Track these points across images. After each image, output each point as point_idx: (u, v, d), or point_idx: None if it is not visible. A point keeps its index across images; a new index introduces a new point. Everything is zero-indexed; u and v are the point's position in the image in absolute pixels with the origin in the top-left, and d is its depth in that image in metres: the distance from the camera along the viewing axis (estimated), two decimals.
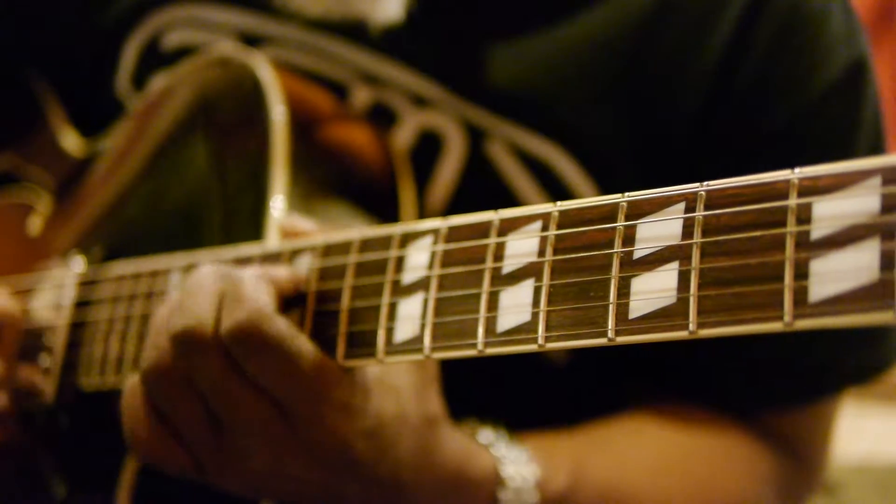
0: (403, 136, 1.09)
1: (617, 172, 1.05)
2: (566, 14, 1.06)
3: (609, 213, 0.67)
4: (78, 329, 1.05)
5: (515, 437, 0.95)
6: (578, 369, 1.10)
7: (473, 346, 0.72)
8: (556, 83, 1.06)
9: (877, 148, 1.08)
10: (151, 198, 1.11)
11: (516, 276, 0.71)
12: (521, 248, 0.71)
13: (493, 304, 0.71)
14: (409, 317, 0.76)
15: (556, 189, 1.05)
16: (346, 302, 0.80)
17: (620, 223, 0.67)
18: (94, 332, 1.02)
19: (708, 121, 1.04)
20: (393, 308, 0.77)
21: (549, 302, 0.68)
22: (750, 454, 1.08)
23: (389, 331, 0.77)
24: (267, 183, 0.97)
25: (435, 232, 0.77)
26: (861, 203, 0.57)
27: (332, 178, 1.04)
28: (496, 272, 0.72)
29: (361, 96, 1.10)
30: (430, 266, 0.76)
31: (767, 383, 1.09)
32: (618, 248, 0.66)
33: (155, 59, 1.18)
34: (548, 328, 0.68)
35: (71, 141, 1.26)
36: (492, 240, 0.73)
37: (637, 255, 0.65)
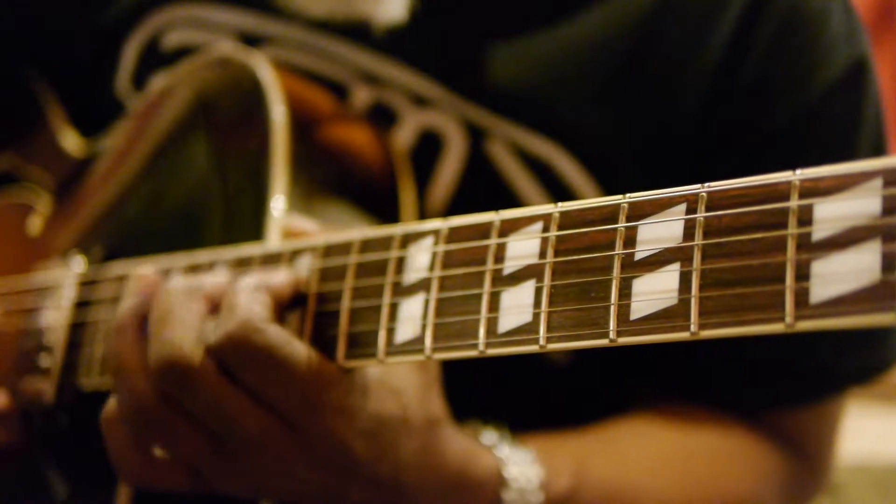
0: (404, 135, 1.09)
1: (617, 172, 1.05)
2: (566, 14, 1.06)
3: (610, 214, 0.67)
4: (78, 329, 1.05)
5: (519, 439, 0.95)
6: (580, 370, 1.10)
7: (475, 346, 0.72)
8: (556, 83, 1.06)
9: (878, 147, 1.08)
10: (151, 198, 1.10)
11: (517, 277, 0.71)
12: (523, 248, 0.71)
13: (494, 304, 0.71)
14: (411, 317, 0.76)
15: (556, 189, 1.05)
16: (346, 303, 0.80)
17: (622, 224, 0.67)
18: (95, 333, 1.02)
19: (708, 121, 1.04)
20: (394, 309, 0.77)
21: (551, 303, 0.68)
22: (753, 453, 1.08)
23: (390, 331, 0.77)
24: (267, 183, 0.97)
25: (436, 233, 0.77)
26: (862, 205, 0.57)
27: (332, 178, 1.03)
28: (497, 273, 0.72)
29: (361, 96, 1.10)
30: (431, 267, 0.76)
31: (770, 384, 1.09)
32: (619, 249, 0.66)
33: (155, 59, 1.18)
34: (549, 329, 0.68)
35: (71, 141, 1.25)
36: (493, 240, 0.73)
37: (638, 255, 0.65)
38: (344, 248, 0.82)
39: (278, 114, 0.99)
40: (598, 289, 0.66)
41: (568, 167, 1.05)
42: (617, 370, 1.11)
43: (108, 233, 1.12)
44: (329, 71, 1.10)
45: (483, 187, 1.07)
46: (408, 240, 0.78)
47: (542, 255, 0.70)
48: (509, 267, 0.71)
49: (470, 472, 0.89)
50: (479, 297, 0.72)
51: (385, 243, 0.79)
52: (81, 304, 1.06)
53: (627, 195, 0.67)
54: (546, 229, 0.70)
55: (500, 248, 0.72)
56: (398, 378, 0.84)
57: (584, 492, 0.97)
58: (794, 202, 0.60)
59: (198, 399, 0.80)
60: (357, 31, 1.08)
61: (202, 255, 0.93)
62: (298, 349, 0.79)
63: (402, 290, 0.77)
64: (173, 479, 0.86)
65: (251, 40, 1.13)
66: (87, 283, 1.07)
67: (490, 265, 0.72)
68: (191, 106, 1.10)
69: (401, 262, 0.78)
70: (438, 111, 1.07)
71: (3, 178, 1.30)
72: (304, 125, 1.01)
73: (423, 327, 0.75)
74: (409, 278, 0.77)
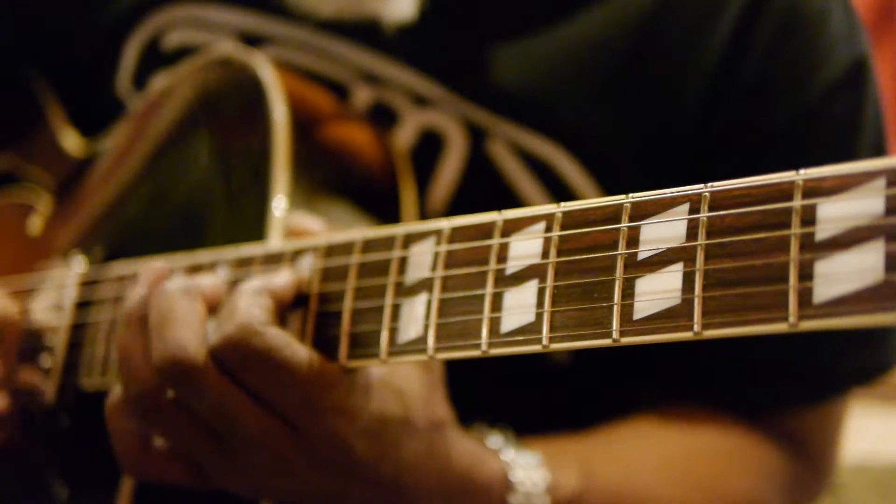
0: (404, 135, 1.09)
1: (618, 172, 1.05)
2: (567, 14, 1.06)
3: (613, 214, 0.67)
4: (79, 329, 1.05)
5: (524, 442, 0.95)
6: (582, 369, 1.10)
7: (477, 346, 0.72)
8: (556, 83, 1.06)
9: (878, 147, 1.09)
10: (152, 198, 1.10)
11: (520, 277, 0.71)
12: (525, 248, 0.71)
13: (496, 304, 0.71)
14: (413, 317, 0.76)
15: (557, 189, 1.05)
16: (348, 303, 0.80)
17: (624, 224, 0.67)
18: (96, 333, 1.02)
19: (708, 121, 1.04)
20: (396, 309, 0.77)
21: (553, 303, 0.68)
22: (755, 454, 1.08)
23: (393, 331, 0.77)
24: (268, 183, 0.97)
25: (438, 233, 0.76)
26: (865, 204, 0.57)
27: (333, 178, 1.03)
28: (500, 273, 0.72)
29: (362, 96, 1.10)
30: (434, 267, 0.76)
31: (772, 384, 1.09)
32: (622, 249, 0.66)
33: (155, 58, 1.18)
34: (552, 329, 0.68)
35: (71, 141, 1.25)
36: (495, 240, 0.73)
37: (641, 255, 0.65)
38: (346, 249, 0.82)
39: (279, 114, 0.99)
40: (600, 289, 0.66)
41: (568, 167, 1.05)
42: (619, 370, 1.11)
43: (109, 233, 1.12)
44: (330, 71, 1.10)
45: (484, 187, 1.07)
46: (410, 240, 0.78)
47: (545, 254, 0.70)
48: (512, 267, 0.71)
49: (475, 475, 0.89)
50: (481, 297, 0.72)
51: (387, 243, 0.79)
52: (82, 305, 1.06)
53: (630, 195, 0.67)
54: (549, 229, 0.70)
55: (503, 248, 0.72)
56: (401, 378, 0.84)
57: (590, 495, 0.96)
58: (797, 202, 0.60)
59: (200, 398, 0.80)
60: (366, 31, 1.07)
61: (203, 255, 0.93)
62: (298, 351, 0.79)
63: (404, 291, 0.77)
64: (173, 471, 0.86)
65: (252, 40, 1.13)
66: (87, 284, 1.06)
67: (493, 265, 0.72)
68: (191, 106, 1.10)
69: (403, 263, 0.78)
70: (439, 111, 1.07)
71: (4, 178, 1.30)
72: (304, 125, 1.01)
73: (426, 327, 0.75)
74: (411, 278, 0.77)
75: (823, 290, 0.58)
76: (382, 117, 1.09)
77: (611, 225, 0.67)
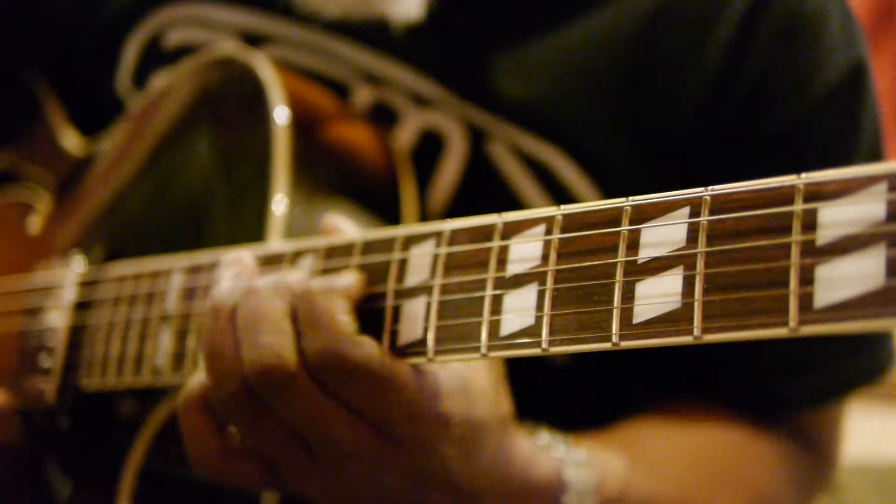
0: (405, 135, 1.08)
1: (617, 175, 1.05)
2: (568, 19, 1.06)
3: (613, 217, 0.67)
4: (79, 330, 1.05)
5: (572, 440, 0.93)
6: (581, 370, 1.10)
7: (477, 349, 0.72)
8: (557, 87, 1.06)
9: (875, 150, 1.09)
10: (152, 198, 1.10)
11: (520, 280, 0.71)
12: (525, 251, 0.71)
13: (496, 307, 0.71)
14: (413, 320, 0.76)
15: (557, 191, 1.05)
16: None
17: (625, 227, 0.66)
18: (96, 333, 1.02)
19: (707, 125, 1.04)
20: (396, 311, 0.77)
21: (553, 306, 0.68)
22: (767, 447, 1.08)
23: (393, 333, 0.77)
24: (268, 183, 0.97)
25: (438, 235, 0.76)
26: (867, 209, 0.57)
27: (333, 177, 1.03)
28: (500, 276, 0.72)
29: (363, 96, 1.10)
30: (434, 269, 0.75)
31: (773, 385, 1.09)
32: (622, 252, 0.66)
33: (156, 57, 1.18)
34: (552, 332, 0.68)
35: (71, 140, 1.25)
36: (495, 243, 0.73)
37: (642, 259, 0.65)
38: (346, 250, 0.82)
39: (279, 114, 0.99)
40: (600, 292, 0.66)
41: (568, 170, 1.05)
42: (618, 371, 1.11)
43: (109, 232, 1.12)
44: (330, 70, 1.10)
45: (484, 188, 1.06)
46: (410, 242, 0.78)
47: (545, 257, 0.70)
48: (512, 269, 0.71)
49: (533, 475, 0.87)
50: (481, 299, 0.72)
51: (387, 245, 0.79)
52: (82, 305, 1.06)
53: (630, 198, 0.67)
54: (549, 232, 0.70)
55: (503, 251, 0.72)
56: (478, 378, 0.81)
57: (632, 492, 0.95)
58: (798, 206, 0.59)
59: (292, 407, 0.77)
60: (372, 31, 1.07)
61: (203, 256, 0.93)
62: (398, 364, 0.76)
63: (403, 293, 0.77)
64: (246, 474, 0.82)
65: (252, 40, 1.13)
66: (87, 284, 1.06)
67: (492, 267, 0.72)
68: (192, 105, 1.10)
69: (403, 264, 0.78)
70: (439, 111, 1.07)
71: (3, 178, 1.30)
72: (305, 125, 1.01)
73: (426, 329, 0.75)
74: (410, 280, 0.77)
75: (824, 295, 0.58)
76: (383, 117, 1.09)
77: (611, 228, 0.67)
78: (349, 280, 0.78)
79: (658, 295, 0.64)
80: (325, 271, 0.82)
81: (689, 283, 0.63)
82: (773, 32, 1.03)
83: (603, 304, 0.66)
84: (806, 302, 0.58)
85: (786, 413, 1.10)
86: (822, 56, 1.05)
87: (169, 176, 1.10)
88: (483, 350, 0.71)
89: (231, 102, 1.07)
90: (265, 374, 0.76)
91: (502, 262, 0.72)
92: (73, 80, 1.27)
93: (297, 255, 0.85)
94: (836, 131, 1.06)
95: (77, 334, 1.04)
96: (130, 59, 1.20)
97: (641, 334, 0.64)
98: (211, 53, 1.10)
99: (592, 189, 1.05)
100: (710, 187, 0.64)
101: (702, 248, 0.63)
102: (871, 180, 0.57)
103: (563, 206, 0.70)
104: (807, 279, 0.58)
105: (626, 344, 0.65)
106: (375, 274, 0.79)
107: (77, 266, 1.09)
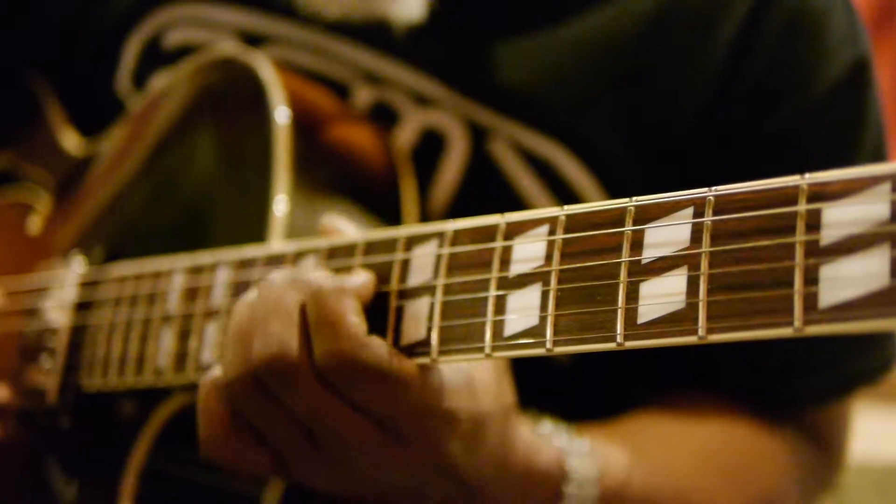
0: (405, 135, 1.08)
1: (620, 172, 1.05)
2: (572, 14, 1.06)
3: (617, 218, 0.67)
4: (80, 330, 1.04)
5: (574, 429, 0.93)
6: (583, 369, 1.10)
7: (481, 349, 0.72)
8: (559, 82, 1.06)
9: (878, 148, 1.09)
10: (152, 198, 1.10)
11: (524, 280, 0.71)
12: (529, 251, 0.71)
13: (500, 307, 0.71)
14: (416, 320, 0.76)
15: (559, 188, 1.05)
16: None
17: (629, 227, 0.66)
18: (97, 334, 1.02)
19: (711, 121, 1.04)
20: (399, 312, 0.77)
21: (557, 306, 0.68)
22: (773, 443, 1.08)
23: (396, 334, 0.77)
24: (269, 184, 0.97)
25: (440, 235, 0.76)
26: (870, 209, 0.57)
27: (334, 178, 1.03)
28: (503, 276, 0.72)
29: (363, 95, 1.10)
30: (436, 269, 0.75)
31: (779, 384, 1.09)
32: (626, 253, 0.66)
33: (156, 58, 1.18)
34: (556, 332, 0.68)
35: (71, 140, 1.25)
36: (498, 243, 0.73)
37: (646, 259, 0.65)
38: (348, 251, 0.82)
39: (280, 114, 0.99)
40: (604, 292, 0.66)
41: (570, 166, 1.05)
42: (620, 369, 1.11)
43: (109, 233, 1.12)
44: (330, 70, 1.10)
45: (485, 186, 1.06)
46: (412, 242, 0.78)
47: (549, 257, 0.70)
48: (515, 270, 0.71)
49: (535, 463, 0.87)
50: (485, 300, 0.72)
51: (389, 245, 0.79)
52: (83, 305, 1.06)
53: (634, 198, 0.67)
54: (552, 232, 0.70)
55: (506, 251, 0.72)
56: (481, 371, 0.81)
57: (633, 483, 0.95)
58: (802, 206, 0.60)
59: (298, 399, 0.78)
60: (373, 32, 1.07)
61: (204, 257, 0.93)
62: (406, 364, 0.76)
63: (406, 294, 0.77)
64: (257, 460, 0.82)
65: (252, 40, 1.13)
66: (88, 284, 1.06)
67: (496, 268, 0.72)
68: (192, 106, 1.09)
69: (405, 265, 0.78)
70: (440, 110, 1.07)
71: (3, 178, 1.30)
72: (305, 125, 1.01)
73: (429, 330, 0.75)
74: (413, 281, 0.77)
75: (829, 295, 0.58)
76: (383, 117, 1.09)
77: (615, 228, 0.67)
78: (360, 280, 0.78)
79: (662, 295, 0.64)
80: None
81: (693, 284, 0.63)
82: (776, 30, 1.03)
83: (607, 304, 0.66)
84: (811, 302, 0.58)
85: (790, 412, 1.10)
86: (825, 53, 1.05)
87: (169, 176, 1.10)
88: (487, 350, 0.71)
89: (231, 103, 1.07)
90: (272, 365, 0.77)
91: (506, 262, 0.72)
92: (73, 80, 1.27)
93: (298, 256, 0.85)
94: (840, 129, 1.06)
95: (78, 335, 1.04)
96: (130, 60, 1.20)
97: (646, 334, 0.64)
98: (211, 54, 1.10)
99: (595, 186, 1.05)
100: (713, 188, 0.64)
101: (706, 248, 0.63)
102: (874, 180, 0.57)
103: (566, 207, 0.70)
104: (811, 279, 0.58)
105: (630, 344, 0.65)
106: (378, 274, 0.79)
107: (77, 266, 1.09)
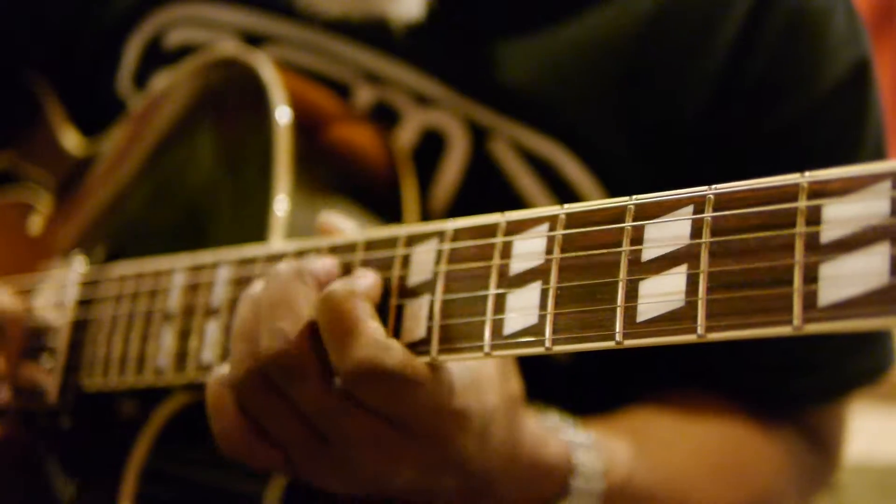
0: (406, 135, 1.08)
1: (620, 171, 1.05)
2: (572, 13, 1.06)
3: (617, 216, 0.67)
4: (80, 330, 1.04)
5: (580, 422, 0.92)
6: (583, 368, 1.10)
7: (480, 348, 0.72)
8: (560, 82, 1.06)
9: (879, 147, 1.09)
10: (153, 198, 1.10)
11: (523, 279, 0.71)
12: (528, 250, 0.71)
13: (499, 306, 0.71)
14: (416, 319, 0.76)
15: (559, 188, 1.05)
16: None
17: (628, 224, 0.66)
18: (97, 333, 1.02)
19: (712, 121, 1.04)
20: (399, 310, 0.77)
21: (557, 304, 0.68)
22: (771, 442, 1.08)
23: (396, 332, 0.77)
24: (270, 183, 0.97)
25: (440, 234, 0.76)
26: (871, 207, 0.57)
27: (335, 177, 1.03)
28: (503, 274, 0.72)
29: (364, 95, 1.10)
30: (436, 268, 0.76)
31: (777, 384, 1.09)
32: (626, 251, 0.66)
33: (157, 57, 1.18)
34: (555, 331, 0.68)
35: (71, 140, 1.25)
36: (498, 241, 0.73)
37: (645, 257, 0.65)
38: (348, 249, 0.82)
39: (281, 114, 0.99)
40: (604, 290, 0.66)
41: (570, 166, 1.05)
42: (620, 368, 1.11)
43: (110, 232, 1.12)
44: (331, 70, 1.10)
45: (486, 186, 1.07)
46: (412, 241, 0.78)
47: (549, 256, 0.70)
48: (515, 268, 0.71)
49: (541, 455, 0.87)
50: (484, 298, 0.72)
51: (390, 244, 0.79)
52: (83, 305, 1.06)
53: (634, 197, 0.67)
54: (552, 230, 0.70)
55: (506, 250, 0.72)
56: (488, 367, 0.81)
57: (637, 477, 0.95)
58: (802, 203, 0.60)
59: (304, 395, 0.77)
60: (372, 31, 1.07)
61: (205, 256, 0.93)
62: (421, 367, 0.75)
63: (406, 292, 0.77)
64: (267, 456, 0.82)
65: (253, 39, 1.13)
66: (89, 284, 1.06)
67: (496, 266, 0.72)
68: (193, 106, 1.10)
69: (405, 263, 0.78)
70: (441, 110, 1.07)
71: (4, 178, 1.30)
72: (306, 125, 1.01)
73: (429, 329, 0.75)
74: (413, 279, 0.77)
75: (828, 293, 0.58)
76: (384, 117, 1.09)
77: (614, 226, 0.67)
78: (369, 281, 0.77)
79: (662, 293, 0.64)
80: None
81: (692, 282, 0.63)
82: (777, 30, 1.04)
83: (606, 302, 0.66)
84: (810, 300, 0.58)
85: (789, 411, 1.10)
86: (826, 53, 1.05)
87: (170, 176, 1.10)
88: (486, 349, 0.71)
89: (232, 103, 1.07)
90: (278, 359, 0.77)
91: (505, 260, 0.72)
92: (74, 80, 1.27)
93: (299, 255, 0.85)
94: (841, 128, 1.06)
95: (79, 334, 1.04)
96: (131, 60, 1.20)
97: (645, 333, 0.64)
98: (212, 54, 1.10)
99: (595, 185, 1.05)
100: (713, 186, 0.64)
101: (705, 246, 0.63)
102: (875, 178, 0.57)
103: (566, 205, 0.70)
104: (811, 277, 0.58)
105: (630, 343, 0.65)
106: (378, 272, 0.79)
107: (78, 266, 1.09)
